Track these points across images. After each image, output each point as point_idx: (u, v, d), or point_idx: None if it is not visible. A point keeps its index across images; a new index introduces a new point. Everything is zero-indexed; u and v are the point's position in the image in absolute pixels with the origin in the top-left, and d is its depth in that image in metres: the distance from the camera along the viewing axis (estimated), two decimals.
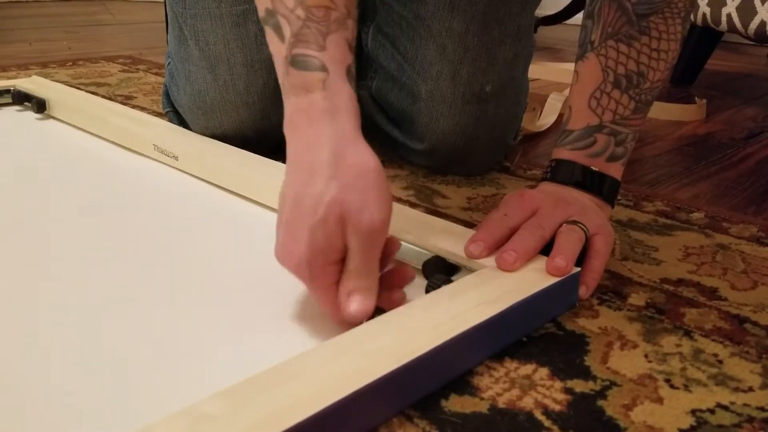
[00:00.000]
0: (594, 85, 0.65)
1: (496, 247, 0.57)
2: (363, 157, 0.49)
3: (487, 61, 0.81)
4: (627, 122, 0.65)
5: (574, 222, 0.59)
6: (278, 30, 0.51)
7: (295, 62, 0.50)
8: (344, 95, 0.51)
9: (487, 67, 0.82)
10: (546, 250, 0.57)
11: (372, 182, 0.48)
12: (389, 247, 0.53)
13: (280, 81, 0.52)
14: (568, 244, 0.56)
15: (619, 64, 0.64)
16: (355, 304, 0.48)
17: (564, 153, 0.66)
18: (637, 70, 0.64)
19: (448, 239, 0.60)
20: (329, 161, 0.48)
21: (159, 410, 0.38)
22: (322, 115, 0.49)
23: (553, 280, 0.54)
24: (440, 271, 0.57)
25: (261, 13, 0.53)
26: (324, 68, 0.50)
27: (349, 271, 0.48)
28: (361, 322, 0.48)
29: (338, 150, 0.48)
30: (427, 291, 0.55)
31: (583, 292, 0.58)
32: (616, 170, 0.66)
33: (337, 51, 0.51)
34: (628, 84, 0.64)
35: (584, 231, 0.58)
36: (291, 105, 0.51)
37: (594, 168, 0.64)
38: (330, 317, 0.51)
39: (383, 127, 0.91)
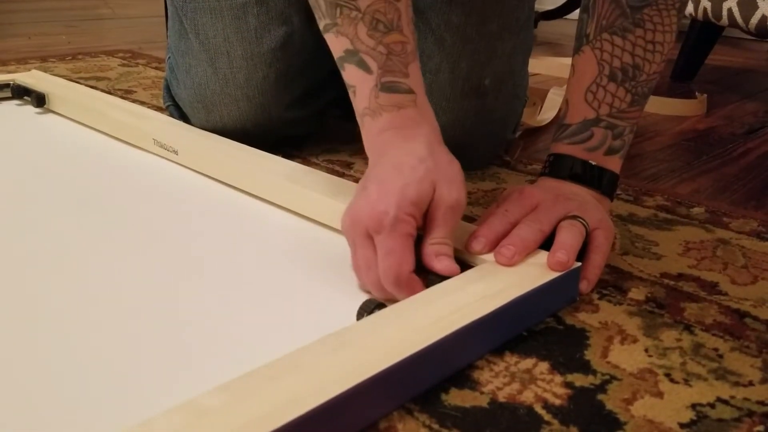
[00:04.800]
0: (590, 79, 0.65)
1: (498, 242, 0.57)
2: (449, 154, 0.57)
3: (486, 54, 0.81)
4: (624, 115, 0.65)
5: (574, 217, 0.59)
6: (362, 65, 0.57)
7: (385, 88, 0.57)
8: (430, 112, 0.59)
9: (486, 61, 0.82)
10: (546, 245, 0.57)
11: (458, 172, 0.56)
12: None
13: (366, 105, 0.57)
14: (569, 239, 0.56)
15: (614, 57, 0.64)
16: (444, 263, 0.54)
17: (562, 147, 0.66)
18: (633, 63, 0.63)
19: None
20: (426, 149, 0.56)
21: (159, 404, 0.38)
22: (416, 122, 0.57)
23: (554, 274, 0.54)
24: None
25: (339, 54, 0.58)
26: (412, 91, 0.57)
27: (435, 238, 0.54)
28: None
29: (431, 144, 0.56)
30: (428, 286, 0.55)
31: (584, 286, 0.58)
32: (614, 164, 0.65)
33: (417, 77, 0.58)
34: (624, 77, 0.64)
35: (584, 226, 0.58)
36: (383, 120, 0.57)
37: (592, 162, 0.64)
38: (391, 277, 0.52)
39: None
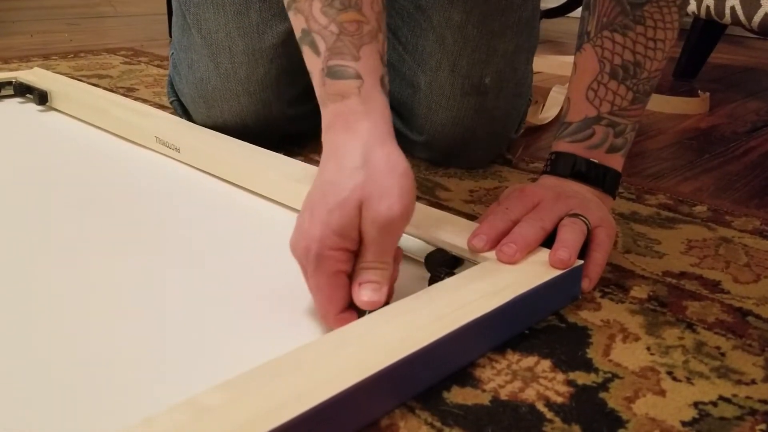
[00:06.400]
0: (591, 77, 0.65)
1: (499, 240, 0.57)
2: (391, 157, 0.50)
3: (486, 52, 0.81)
4: (625, 113, 0.64)
5: (576, 215, 0.59)
6: (314, 46, 0.53)
7: (330, 73, 0.52)
8: (378, 101, 0.53)
9: (486, 59, 0.81)
10: (548, 243, 0.57)
11: (397, 180, 0.49)
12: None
13: (318, 93, 0.53)
14: (571, 237, 0.56)
15: (614, 54, 0.63)
16: (366, 294, 0.48)
17: (563, 146, 0.66)
18: (633, 60, 0.63)
19: (451, 232, 0.60)
20: (360, 156, 0.50)
21: (160, 402, 0.38)
22: (357, 117, 0.51)
23: (556, 272, 0.54)
24: (443, 264, 0.57)
25: (298, 34, 0.55)
26: (359, 76, 0.52)
27: (364, 262, 0.49)
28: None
29: (369, 148, 0.50)
30: (430, 284, 0.55)
31: (586, 284, 0.58)
32: (616, 162, 0.65)
33: (370, 61, 0.53)
34: (625, 74, 0.64)
35: (586, 224, 0.58)
36: (329, 112, 0.53)
37: (594, 160, 0.64)
38: (321, 313, 0.50)
39: None
